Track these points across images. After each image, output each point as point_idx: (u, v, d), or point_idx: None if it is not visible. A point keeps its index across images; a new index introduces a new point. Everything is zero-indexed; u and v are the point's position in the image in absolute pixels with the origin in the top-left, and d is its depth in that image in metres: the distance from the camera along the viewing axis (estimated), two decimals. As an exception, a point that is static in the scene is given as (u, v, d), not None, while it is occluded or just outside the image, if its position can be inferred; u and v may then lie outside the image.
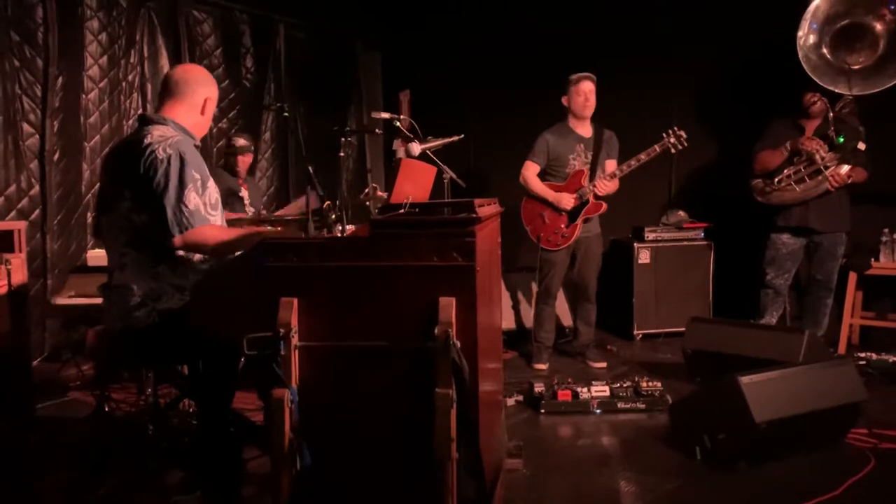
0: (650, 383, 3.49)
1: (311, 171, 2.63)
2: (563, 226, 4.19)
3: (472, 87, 5.88)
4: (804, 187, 4.05)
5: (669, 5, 5.13)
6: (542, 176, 4.25)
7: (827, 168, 3.97)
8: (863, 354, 4.04)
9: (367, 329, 1.75)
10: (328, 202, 2.23)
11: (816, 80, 3.97)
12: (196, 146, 2.30)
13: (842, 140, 3.91)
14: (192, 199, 2.14)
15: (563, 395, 3.45)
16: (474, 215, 1.77)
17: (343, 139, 3.26)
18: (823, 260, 4.17)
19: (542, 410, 3.44)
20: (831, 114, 3.97)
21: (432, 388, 1.65)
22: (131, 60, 4.91)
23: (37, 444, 3.13)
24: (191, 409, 3.12)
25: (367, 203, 2.86)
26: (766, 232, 4.29)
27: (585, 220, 4.20)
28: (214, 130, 5.33)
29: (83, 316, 3.82)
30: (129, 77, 4.91)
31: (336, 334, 1.77)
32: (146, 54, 5.01)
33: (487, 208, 2.14)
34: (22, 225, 3.61)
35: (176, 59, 5.10)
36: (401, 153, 2.97)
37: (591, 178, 4.16)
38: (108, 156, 2.49)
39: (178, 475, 2.65)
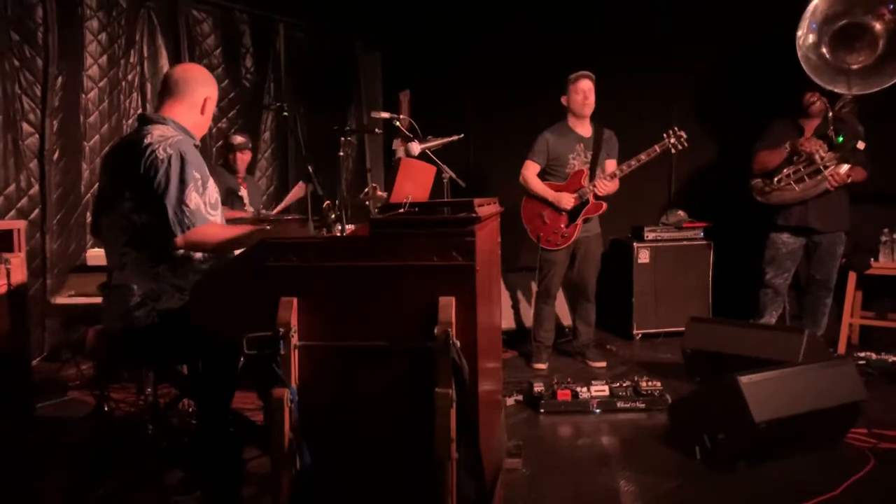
0: (650, 383, 3.49)
1: (311, 170, 2.62)
2: (562, 225, 4.19)
3: (472, 87, 5.88)
4: (804, 187, 4.06)
5: (669, 5, 5.13)
6: (542, 175, 4.25)
7: (826, 168, 3.97)
8: (862, 354, 4.04)
9: (366, 329, 1.75)
10: (328, 202, 2.22)
11: (816, 79, 3.96)
12: (196, 146, 2.30)
13: (841, 140, 3.91)
14: (193, 198, 2.14)
15: (563, 395, 3.46)
16: (474, 215, 1.77)
17: (343, 139, 3.26)
18: (823, 259, 4.17)
19: (542, 410, 3.44)
20: (831, 113, 3.97)
21: (432, 388, 1.65)
22: (131, 60, 4.91)
23: (37, 444, 3.13)
24: (190, 409, 3.12)
25: (367, 203, 2.85)
26: (766, 231, 4.30)
27: (585, 220, 4.20)
28: (214, 130, 5.33)
29: (83, 315, 3.81)
30: (129, 77, 4.91)
31: (336, 334, 1.76)
32: (146, 54, 5.01)
33: (487, 208, 2.14)
34: (21, 224, 3.61)
35: (176, 59, 5.10)
36: (400, 153, 2.96)
37: (591, 177, 4.16)
38: (108, 155, 2.49)
39: (178, 475, 2.65)
